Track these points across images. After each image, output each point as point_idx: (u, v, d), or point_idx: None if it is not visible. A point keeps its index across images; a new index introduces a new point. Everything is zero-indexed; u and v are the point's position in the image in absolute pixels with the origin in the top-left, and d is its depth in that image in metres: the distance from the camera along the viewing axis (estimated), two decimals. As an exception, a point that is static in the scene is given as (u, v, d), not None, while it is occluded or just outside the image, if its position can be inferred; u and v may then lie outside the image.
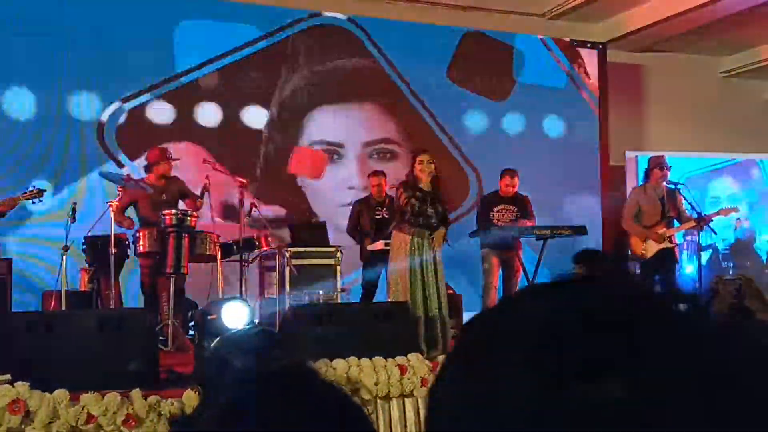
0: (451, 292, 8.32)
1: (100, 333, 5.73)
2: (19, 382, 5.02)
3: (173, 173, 8.35)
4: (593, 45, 12.21)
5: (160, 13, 10.06)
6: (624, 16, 11.95)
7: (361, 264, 9.16)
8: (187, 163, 9.05)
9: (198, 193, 8.07)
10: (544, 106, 11.87)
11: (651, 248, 9.45)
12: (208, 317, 6.61)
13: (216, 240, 7.73)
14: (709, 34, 12.07)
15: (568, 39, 12.09)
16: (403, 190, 7.34)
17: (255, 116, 10.54)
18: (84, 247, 7.98)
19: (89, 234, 7.93)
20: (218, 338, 5.03)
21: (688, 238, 11.29)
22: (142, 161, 8.89)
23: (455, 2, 11.28)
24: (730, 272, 11.65)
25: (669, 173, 9.57)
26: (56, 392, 5.03)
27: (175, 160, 8.32)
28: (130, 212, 8.15)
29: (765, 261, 12.49)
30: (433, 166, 7.34)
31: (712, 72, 13.72)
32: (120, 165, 9.69)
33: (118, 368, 5.55)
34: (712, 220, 9.48)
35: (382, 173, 9.42)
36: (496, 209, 9.42)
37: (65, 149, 9.64)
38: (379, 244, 8.46)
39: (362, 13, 10.97)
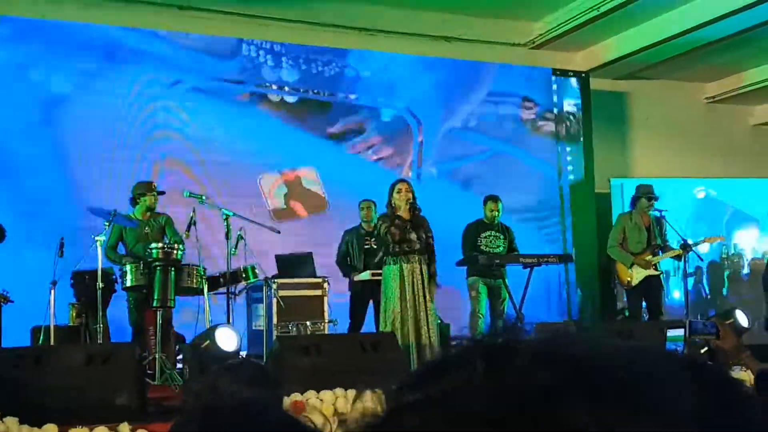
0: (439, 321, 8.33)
1: (88, 367, 5.75)
2: (8, 417, 5.03)
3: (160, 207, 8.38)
4: (575, 73, 12.30)
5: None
6: (606, 44, 12.04)
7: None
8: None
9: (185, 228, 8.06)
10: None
11: (637, 275, 9.42)
12: (201, 346, 6.62)
13: (203, 273, 7.74)
14: (692, 60, 12.17)
15: (550, 68, 12.18)
16: (383, 221, 7.52)
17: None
18: (71, 281, 8.00)
19: (77, 269, 7.93)
20: (207, 371, 5.06)
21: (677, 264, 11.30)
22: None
23: (438, 33, 11.38)
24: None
25: (655, 202, 9.57)
26: (45, 427, 5.04)
27: (160, 193, 8.35)
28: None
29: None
30: (410, 194, 7.55)
31: (696, 98, 13.82)
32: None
33: (106, 402, 5.57)
34: (694, 249, 9.50)
35: (372, 201, 9.14)
36: (483, 235, 9.42)
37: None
38: (366, 274, 8.49)
39: (343, 45, 11.05)
